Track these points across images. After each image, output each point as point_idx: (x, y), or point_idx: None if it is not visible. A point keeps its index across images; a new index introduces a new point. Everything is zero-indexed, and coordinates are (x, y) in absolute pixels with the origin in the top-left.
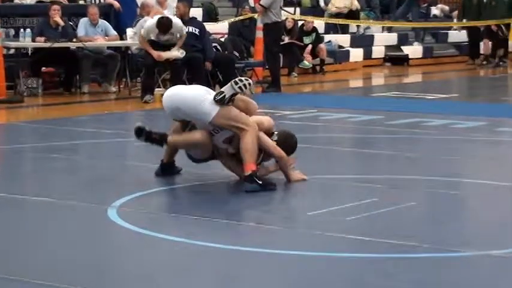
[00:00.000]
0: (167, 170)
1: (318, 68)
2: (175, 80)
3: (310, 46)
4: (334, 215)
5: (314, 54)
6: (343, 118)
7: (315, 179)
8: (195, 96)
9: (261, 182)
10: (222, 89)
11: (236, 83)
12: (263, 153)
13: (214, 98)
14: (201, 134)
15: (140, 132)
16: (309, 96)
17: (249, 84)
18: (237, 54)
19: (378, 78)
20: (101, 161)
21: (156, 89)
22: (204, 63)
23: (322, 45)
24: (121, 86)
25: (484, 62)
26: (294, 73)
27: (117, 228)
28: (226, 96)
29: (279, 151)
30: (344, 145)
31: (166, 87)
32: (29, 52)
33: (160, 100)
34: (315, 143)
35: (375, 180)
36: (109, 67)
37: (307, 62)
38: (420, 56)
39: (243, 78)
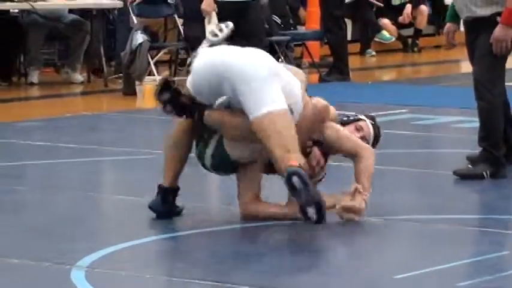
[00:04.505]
0: (169, 199)
1: (409, 42)
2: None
3: (407, 7)
4: (435, 279)
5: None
6: (451, 123)
7: (404, 221)
8: (260, 68)
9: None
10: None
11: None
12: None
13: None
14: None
15: (166, 88)
16: (395, 88)
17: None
18: (277, 20)
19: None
20: (59, 194)
21: (146, 78)
22: None
23: (423, 8)
24: (92, 73)
25: None
26: (370, 50)
27: None
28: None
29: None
30: (451, 167)
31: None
32: None
33: (150, 94)
34: (404, 163)
35: (507, 222)
36: (72, 42)
37: (388, 32)
38: None
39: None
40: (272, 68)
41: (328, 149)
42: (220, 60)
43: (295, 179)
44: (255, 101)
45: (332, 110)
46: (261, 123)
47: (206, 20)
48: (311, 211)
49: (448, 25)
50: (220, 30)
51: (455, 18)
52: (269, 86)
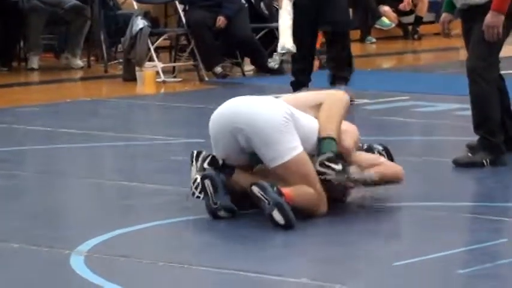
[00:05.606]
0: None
1: (410, 29)
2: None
3: None
4: (435, 266)
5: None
6: (451, 111)
7: (404, 208)
8: (273, 118)
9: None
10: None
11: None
12: None
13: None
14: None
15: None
16: (396, 76)
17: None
18: (278, 7)
19: (509, 46)
20: (59, 179)
21: (147, 63)
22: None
23: None
24: (92, 59)
25: None
26: (370, 37)
27: (85, 286)
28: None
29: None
30: (451, 154)
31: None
32: None
33: (150, 80)
34: (405, 152)
35: (505, 210)
36: (72, 28)
37: (387, 19)
38: None
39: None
40: (288, 115)
41: None
42: (232, 111)
43: (255, 189)
44: (274, 153)
45: (356, 138)
46: (280, 171)
47: (279, 4)
48: (277, 215)
49: (444, 15)
50: None
51: (452, 7)
52: (284, 135)
